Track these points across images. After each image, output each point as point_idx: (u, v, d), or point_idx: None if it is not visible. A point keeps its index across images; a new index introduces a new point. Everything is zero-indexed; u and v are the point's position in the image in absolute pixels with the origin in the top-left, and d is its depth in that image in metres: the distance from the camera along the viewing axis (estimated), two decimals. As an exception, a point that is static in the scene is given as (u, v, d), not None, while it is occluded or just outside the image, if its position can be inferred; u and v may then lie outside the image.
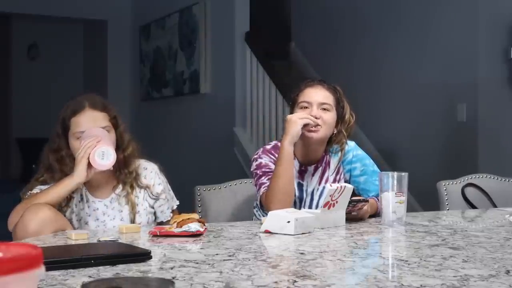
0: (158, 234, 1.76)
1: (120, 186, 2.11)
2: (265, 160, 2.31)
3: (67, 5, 7.46)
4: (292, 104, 2.35)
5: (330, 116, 2.27)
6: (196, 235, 1.74)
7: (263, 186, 2.25)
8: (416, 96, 4.76)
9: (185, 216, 1.81)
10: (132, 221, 2.10)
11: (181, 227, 1.76)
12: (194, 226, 1.75)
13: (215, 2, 6.10)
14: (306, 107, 2.26)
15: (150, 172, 2.18)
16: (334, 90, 2.32)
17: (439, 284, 1.17)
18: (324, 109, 2.26)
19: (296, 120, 2.19)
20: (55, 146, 2.07)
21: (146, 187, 2.15)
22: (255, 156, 2.35)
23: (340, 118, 2.32)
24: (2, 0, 7.17)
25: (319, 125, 2.24)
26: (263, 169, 2.29)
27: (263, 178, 2.28)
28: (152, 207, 2.18)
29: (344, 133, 2.32)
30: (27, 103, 9.30)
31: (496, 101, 4.31)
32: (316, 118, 2.22)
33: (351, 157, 2.37)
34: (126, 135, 2.14)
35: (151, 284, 1.01)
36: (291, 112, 2.32)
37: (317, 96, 2.27)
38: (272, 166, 2.27)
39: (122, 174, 2.10)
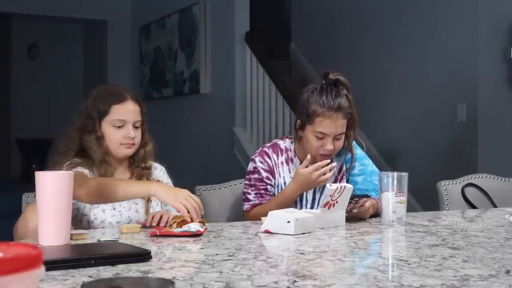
0: (158, 234, 1.76)
1: (134, 179, 2.14)
2: (259, 165, 2.34)
3: (67, 5, 7.46)
4: (305, 116, 2.26)
5: (341, 142, 2.28)
6: (196, 235, 1.75)
7: (246, 203, 2.33)
8: (416, 96, 4.76)
9: (185, 216, 1.81)
10: (146, 212, 2.13)
11: (181, 227, 1.76)
12: (194, 226, 1.76)
13: (215, 2, 6.10)
14: (322, 138, 2.24)
15: (160, 171, 2.26)
16: (348, 107, 2.25)
17: (439, 284, 1.17)
18: (338, 138, 2.26)
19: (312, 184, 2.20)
20: (90, 128, 2.08)
21: (159, 182, 2.19)
22: (253, 157, 2.40)
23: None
24: (2, 0, 7.17)
25: (331, 155, 2.28)
26: (255, 175, 2.34)
27: (250, 189, 2.34)
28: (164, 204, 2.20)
29: (351, 134, 2.33)
30: (27, 103, 9.30)
31: (496, 101, 4.31)
32: (331, 150, 2.24)
33: (350, 156, 2.39)
34: (147, 133, 2.21)
35: (151, 284, 1.01)
36: (301, 123, 2.28)
37: (335, 128, 2.23)
38: (264, 174, 2.33)
39: (139, 168, 2.17)
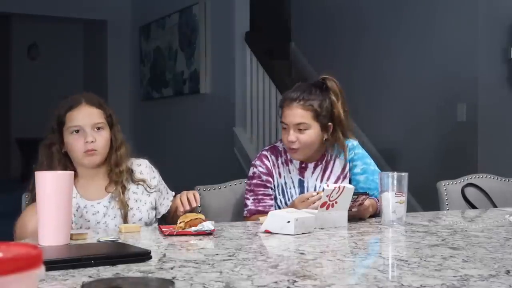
0: (175, 234, 1.77)
1: (113, 185, 2.12)
2: (259, 169, 2.37)
3: (67, 5, 7.47)
4: (280, 114, 2.38)
5: (307, 135, 2.28)
6: (209, 233, 1.79)
7: (245, 209, 2.37)
8: (416, 96, 4.76)
9: (192, 216, 1.84)
10: (125, 218, 2.09)
11: (190, 226, 1.79)
12: (207, 225, 1.79)
13: (215, 2, 6.10)
14: (285, 128, 2.30)
15: (145, 167, 2.20)
16: (314, 100, 2.28)
17: (439, 284, 1.17)
18: (301, 129, 2.27)
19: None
20: (48, 142, 2.08)
21: (143, 182, 2.16)
22: (253, 162, 2.43)
23: (329, 121, 2.32)
24: (2, 0, 7.17)
25: (296, 148, 2.29)
26: (254, 181, 2.36)
27: (248, 195, 2.37)
28: (154, 203, 2.18)
29: (339, 132, 2.33)
30: (27, 103, 9.30)
31: (496, 101, 4.32)
32: (292, 141, 2.27)
33: (353, 155, 2.39)
34: (120, 135, 2.15)
35: (151, 284, 1.01)
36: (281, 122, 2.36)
37: (292, 118, 2.27)
38: (264, 177, 2.36)
39: (113, 173, 2.11)
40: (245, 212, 2.36)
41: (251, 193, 2.36)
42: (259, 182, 2.35)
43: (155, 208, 2.19)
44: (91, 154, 2.04)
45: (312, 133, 2.29)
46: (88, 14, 7.69)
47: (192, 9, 6.37)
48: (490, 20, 4.30)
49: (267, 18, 6.65)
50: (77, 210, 2.05)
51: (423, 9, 4.73)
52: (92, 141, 2.02)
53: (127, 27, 7.82)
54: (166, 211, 2.22)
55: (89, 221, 2.06)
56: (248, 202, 2.36)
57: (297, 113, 2.27)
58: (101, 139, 2.06)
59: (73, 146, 2.04)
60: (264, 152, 2.41)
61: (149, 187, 2.16)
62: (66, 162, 2.07)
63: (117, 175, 2.11)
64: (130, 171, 2.15)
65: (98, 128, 2.06)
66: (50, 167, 2.02)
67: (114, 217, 2.08)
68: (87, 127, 2.03)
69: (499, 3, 4.31)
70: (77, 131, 2.03)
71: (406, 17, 4.89)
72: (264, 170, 2.36)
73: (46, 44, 9.55)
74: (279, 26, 6.59)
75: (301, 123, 2.27)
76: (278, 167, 2.38)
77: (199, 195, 2.43)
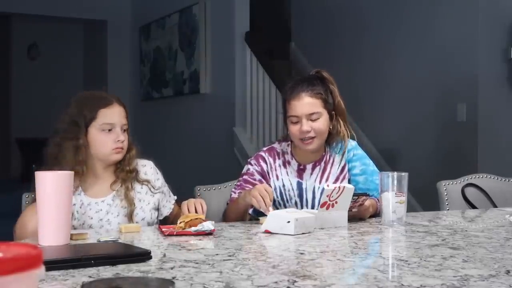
0: (175, 234, 1.78)
1: (119, 183, 2.13)
2: (253, 168, 2.37)
3: (67, 5, 7.46)
4: (284, 111, 2.34)
5: (321, 123, 2.27)
6: (209, 233, 1.79)
7: (231, 196, 2.36)
8: (416, 96, 4.76)
9: (192, 216, 1.84)
10: (130, 217, 2.10)
11: (190, 226, 1.79)
12: (207, 225, 1.79)
13: (215, 2, 6.10)
14: (297, 122, 2.26)
15: (149, 168, 2.22)
16: (319, 89, 2.28)
17: (439, 284, 1.17)
18: (313, 119, 2.25)
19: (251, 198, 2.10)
20: (72, 135, 2.06)
21: (147, 182, 2.18)
22: (249, 160, 2.42)
23: (333, 110, 2.32)
24: (2, 0, 7.17)
25: (312, 137, 2.26)
26: (245, 177, 2.36)
27: (236, 189, 2.36)
28: (157, 203, 2.19)
29: (340, 121, 2.33)
30: (27, 103, 9.29)
31: (496, 100, 4.32)
32: (307, 131, 2.24)
33: (352, 155, 2.38)
34: (129, 136, 2.19)
35: (151, 284, 1.01)
36: (285, 119, 2.33)
37: (303, 108, 2.24)
38: (257, 177, 2.34)
39: (123, 172, 2.13)
40: (228, 201, 2.35)
41: (239, 188, 2.34)
42: (249, 179, 2.33)
43: (158, 209, 2.20)
44: (118, 151, 2.08)
45: (324, 120, 2.28)
46: (88, 14, 7.69)
47: (192, 9, 6.37)
48: (490, 20, 4.30)
49: (267, 18, 6.65)
50: (80, 207, 2.05)
51: (423, 9, 4.73)
52: (122, 141, 2.08)
53: (127, 27, 7.82)
54: (169, 213, 2.23)
55: (92, 218, 2.07)
56: (233, 195, 2.34)
57: (308, 103, 2.25)
58: (127, 139, 2.11)
59: (103, 142, 2.06)
60: (262, 153, 2.39)
61: (153, 187, 2.18)
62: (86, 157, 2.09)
63: (126, 174, 2.13)
64: (136, 171, 2.17)
65: (124, 130, 2.11)
66: (74, 161, 2.03)
67: (117, 215, 2.09)
68: (118, 126, 2.08)
69: (499, 2, 4.31)
70: (109, 129, 2.06)
71: (406, 17, 4.89)
72: (258, 169, 2.35)
73: (46, 44, 9.54)
74: (279, 26, 6.59)
75: (313, 113, 2.25)
76: (276, 169, 2.37)
77: (199, 195, 2.44)
